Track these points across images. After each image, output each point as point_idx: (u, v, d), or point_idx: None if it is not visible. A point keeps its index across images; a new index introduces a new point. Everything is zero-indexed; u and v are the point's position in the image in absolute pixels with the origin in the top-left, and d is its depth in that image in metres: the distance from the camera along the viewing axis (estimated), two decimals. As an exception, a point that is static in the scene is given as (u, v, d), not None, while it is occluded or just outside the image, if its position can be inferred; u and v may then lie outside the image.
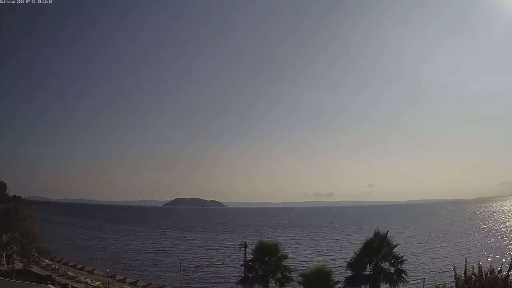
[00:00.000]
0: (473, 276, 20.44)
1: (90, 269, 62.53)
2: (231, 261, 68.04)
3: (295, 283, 31.91)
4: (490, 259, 64.90)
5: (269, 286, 32.18)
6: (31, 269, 56.10)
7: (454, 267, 21.67)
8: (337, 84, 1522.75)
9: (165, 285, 54.37)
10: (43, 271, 57.60)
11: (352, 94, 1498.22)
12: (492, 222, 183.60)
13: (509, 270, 20.09)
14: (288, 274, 32.02)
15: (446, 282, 28.49)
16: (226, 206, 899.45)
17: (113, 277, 54.61)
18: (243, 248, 35.35)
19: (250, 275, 32.46)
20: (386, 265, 28.91)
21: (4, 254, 59.36)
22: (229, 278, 58.94)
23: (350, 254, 34.34)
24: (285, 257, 33.09)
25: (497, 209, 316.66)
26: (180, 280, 54.06)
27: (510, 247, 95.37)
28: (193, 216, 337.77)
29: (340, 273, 33.34)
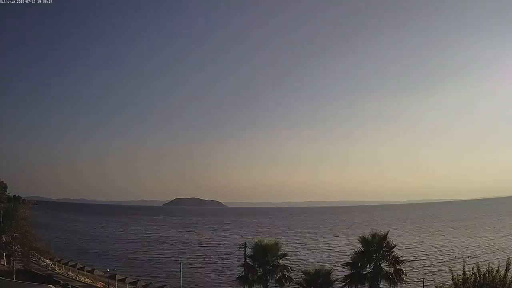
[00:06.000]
0: (472, 276, 20.47)
1: (90, 269, 62.49)
2: (231, 260, 68.05)
3: (295, 283, 31.90)
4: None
5: (269, 286, 32.20)
6: (31, 269, 56.16)
7: (451, 269, 21.72)
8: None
9: (165, 285, 54.37)
10: (43, 271, 57.62)
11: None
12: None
13: (506, 270, 20.11)
14: (287, 273, 31.99)
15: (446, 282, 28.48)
16: (226, 206, 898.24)
17: (113, 277, 54.53)
18: (242, 248, 35.43)
19: (249, 275, 32.46)
20: (385, 265, 28.92)
21: (4, 254, 59.42)
22: (229, 278, 59.01)
23: (350, 252, 34.28)
24: (284, 256, 33.06)
25: None
26: (180, 280, 54.06)
27: None
28: (193, 216, 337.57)
29: (341, 272, 33.34)
